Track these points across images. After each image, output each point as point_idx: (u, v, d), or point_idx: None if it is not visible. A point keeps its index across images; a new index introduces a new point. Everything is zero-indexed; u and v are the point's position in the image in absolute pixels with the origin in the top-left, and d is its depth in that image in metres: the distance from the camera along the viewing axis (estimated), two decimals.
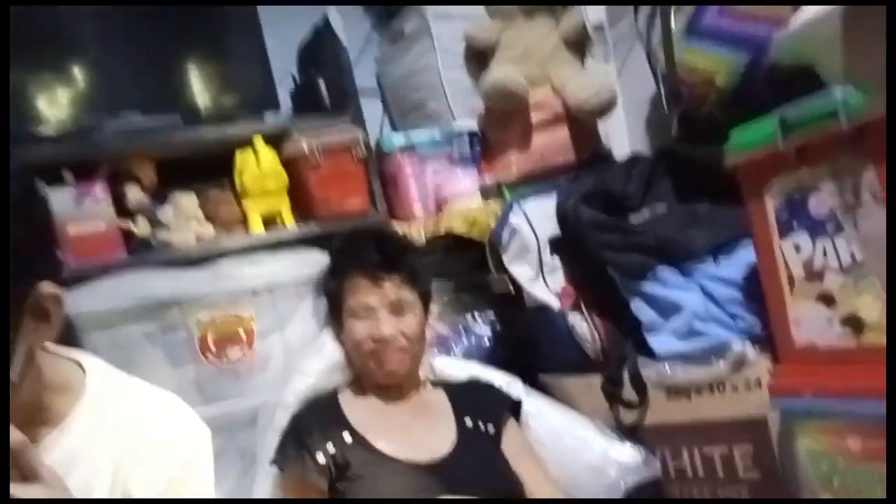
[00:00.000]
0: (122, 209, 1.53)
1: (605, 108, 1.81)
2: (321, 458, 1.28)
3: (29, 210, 0.73)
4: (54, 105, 1.54)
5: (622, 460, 1.44)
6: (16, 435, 0.62)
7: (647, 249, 1.51)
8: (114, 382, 0.86)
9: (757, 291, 1.31)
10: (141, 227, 1.52)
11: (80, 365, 0.85)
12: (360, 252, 1.45)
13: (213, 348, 1.50)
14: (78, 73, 1.58)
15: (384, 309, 1.39)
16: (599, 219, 1.55)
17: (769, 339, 1.30)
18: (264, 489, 1.39)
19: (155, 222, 1.55)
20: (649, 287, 1.49)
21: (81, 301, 1.37)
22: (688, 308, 1.43)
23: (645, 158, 1.71)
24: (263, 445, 1.39)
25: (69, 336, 1.36)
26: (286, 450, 1.32)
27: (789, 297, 1.21)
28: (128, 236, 1.53)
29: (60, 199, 1.44)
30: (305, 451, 1.29)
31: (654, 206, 1.59)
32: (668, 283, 1.47)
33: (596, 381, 1.56)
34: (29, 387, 0.76)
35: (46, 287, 0.72)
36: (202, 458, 0.87)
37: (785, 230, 1.19)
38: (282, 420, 1.39)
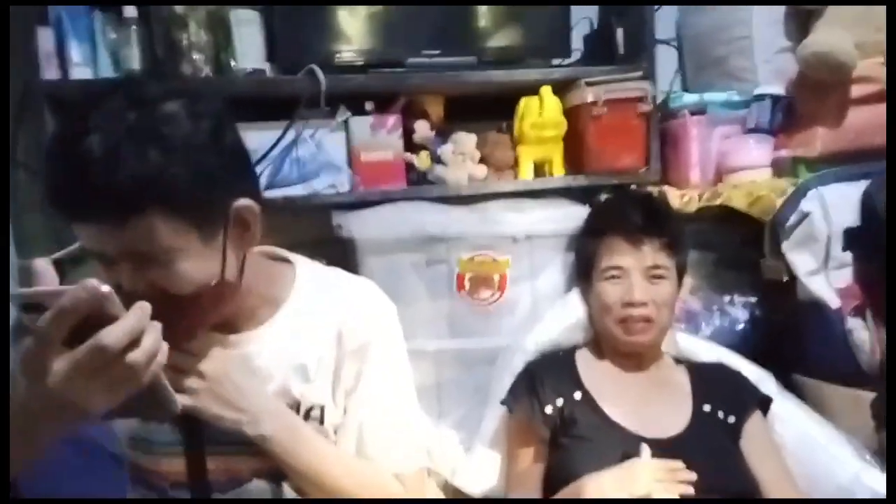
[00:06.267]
0: (408, 142, 1.70)
1: None
2: (549, 409, 1.36)
3: (222, 136, 0.86)
4: (360, 36, 1.71)
5: (876, 488, 1.34)
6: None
7: None
8: (317, 270, 1.09)
9: None
10: (422, 161, 1.69)
11: (287, 260, 1.08)
12: (622, 212, 1.47)
13: (467, 287, 1.64)
14: (390, 9, 1.73)
15: (639, 273, 1.40)
16: None
17: None
18: (492, 425, 1.52)
19: (434, 158, 1.70)
20: None
21: (365, 226, 1.59)
22: None
23: None
24: (498, 385, 1.52)
25: (350, 257, 1.59)
26: (517, 393, 1.42)
27: None
28: (408, 168, 1.70)
29: (359, 128, 1.65)
30: (535, 399, 1.38)
31: None
32: None
33: (866, 396, 1.46)
34: (247, 284, 0.96)
35: (241, 201, 0.88)
36: (393, 327, 1.08)
37: None
38: (519, 365, 1.49)
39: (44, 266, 0.73)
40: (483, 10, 1.80)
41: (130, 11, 1.53)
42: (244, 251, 0.93)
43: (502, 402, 1.44)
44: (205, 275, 0.86)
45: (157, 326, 0.74)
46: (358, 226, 1.57)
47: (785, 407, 1.47)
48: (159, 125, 0.79)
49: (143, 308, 0.73)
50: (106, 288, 0.69)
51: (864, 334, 1.47)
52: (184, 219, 0.82)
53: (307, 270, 1.07)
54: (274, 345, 1.00)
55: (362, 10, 1.70)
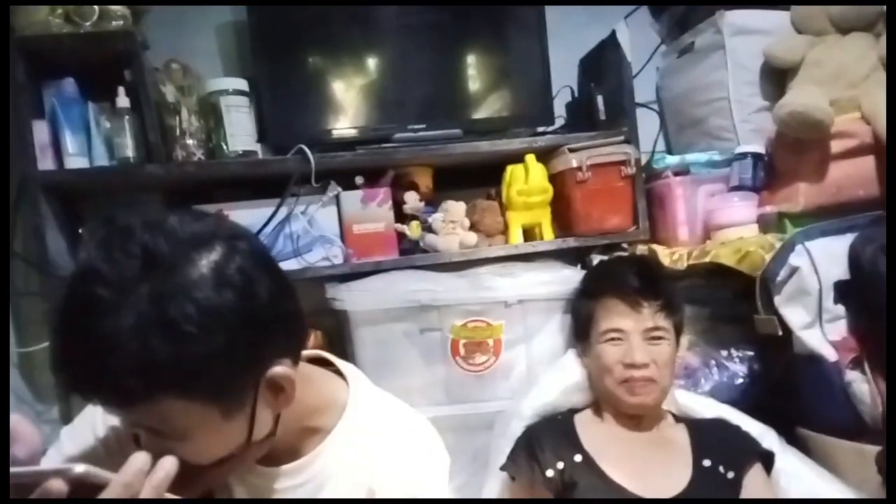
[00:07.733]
0: (399, 212, 1.74)
1: None
2: (550, 473, 1.36)
3: (251, 300, 0.74)
4: (348, 114, 1.79)
5: None
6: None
7: None
8: (372, 402, 0.97)
9: None
10: (413, 231, 1.72)
11: (343, 376, 0.98)
12: (620, 276, 1.50)
13: (462, 352, 1.64)
14: (376, 87, 1.82)
15: (638, 335, 1.42)
16: None
17: None
18: (492, 492, 1.50)
19: (425, 226, 1.73)
20: None
21: (357, 297, 1.60)
22: None
23: None
24: (497, 451, 1.51)
25: (345, 328, 1.59)
26: (517, 459, 1.42)
27: None
28: (400, 237, 1.73)
29: (350, 202, 1.68)
30: (536, 464, 1.38)
31: None
32: None
33: (870, 449, 1.44)
34: (290, 420, 0.87)
35: (278, 370, 0.79)
36: (439, 484, 0.94)
37: None
38: (517, 429, 1.49)
39: (25, 427, 0.69)
40: (468, 83, 1.88)
41: (123, 101, 1.57)
42: (278, 411, 0.84)
43: (502, 468, 1.43)
44: (228, 446, 0.79)
45: (156, 479, 0.68)
46: (350, 297, 1.59)
47: (789, 462, 1.46)
48: (176, 302, 0.69)
49: (125, 477, 0.67)
50: (80, 468, 0.65)
51: (863, 387, 1.46)
52: (201, 399, 0.73)
53: (360, 399, 0.95)
54: (307, 484, 0.90)
55: (351, 88, 1.79)
